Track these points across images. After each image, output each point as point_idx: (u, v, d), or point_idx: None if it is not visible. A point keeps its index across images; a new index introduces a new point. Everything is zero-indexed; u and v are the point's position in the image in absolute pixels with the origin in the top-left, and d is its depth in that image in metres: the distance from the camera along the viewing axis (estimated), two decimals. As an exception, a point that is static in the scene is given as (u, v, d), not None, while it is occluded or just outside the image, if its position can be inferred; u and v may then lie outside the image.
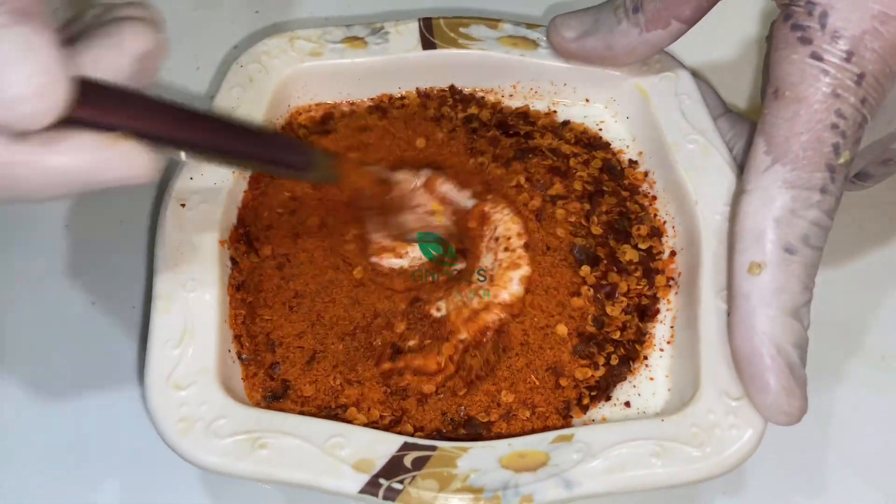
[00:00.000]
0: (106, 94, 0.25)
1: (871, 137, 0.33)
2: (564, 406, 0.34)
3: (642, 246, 0.37)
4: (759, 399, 0.30)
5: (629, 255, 0.37)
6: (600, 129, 0.41)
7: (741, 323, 0.30)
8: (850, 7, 0.30)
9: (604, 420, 0.34)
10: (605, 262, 0.37)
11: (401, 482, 0.29)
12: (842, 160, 0.31)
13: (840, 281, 0.39)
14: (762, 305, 0.30)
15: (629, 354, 0.35)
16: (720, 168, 0.36)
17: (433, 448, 0.31)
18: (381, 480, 0.29)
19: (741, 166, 0.36)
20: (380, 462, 0.30)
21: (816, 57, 0.30)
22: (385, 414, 0.33)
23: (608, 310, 0.36)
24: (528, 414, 0.34)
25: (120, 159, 0.25)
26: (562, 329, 0.35)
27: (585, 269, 0.36)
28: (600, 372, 0.35)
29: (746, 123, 0.38)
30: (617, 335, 0.36)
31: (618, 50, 0.37)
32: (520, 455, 0.31)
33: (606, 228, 0.38)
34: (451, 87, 0.42)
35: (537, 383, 0.34)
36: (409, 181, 0.38)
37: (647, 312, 0.36)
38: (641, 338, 0.36)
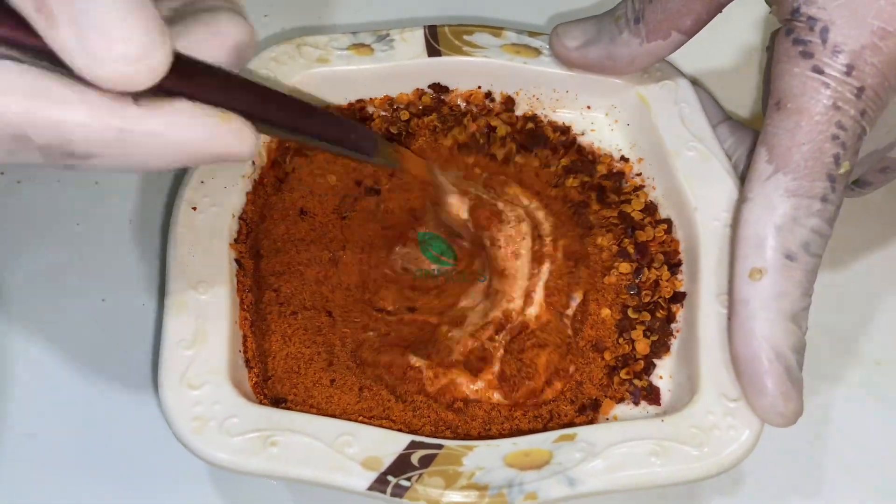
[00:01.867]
0: (204, 70, 0.25)
1: (869, 147, 0.34)
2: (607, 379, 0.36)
3: (638, 201, 0.39)
4: (756, 401, 0.31)
5: (635, 204, 0.39)
6: (582, 133, 0.42)
7: (741, 327, 0.31)
8: (850, 23, 0.31)
9: (615, 419, 0.35)
10: (619, 225, 0.39)
11: (408, 479, 0.30)
12: (842, 170, 0.31)
13: (835, 286, 0.40)
14: (762, 310, 0.31)
15: (668, 316, 0.37)
16: (719, 175, 0.37)
17: (439, 446, 0.31)
18: (389, 478, 0.30)
19: (741, 174, 0.37)
20: (387, 460, 0.31)
21: (817, 70, 0.31)
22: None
23: (643, 275, 0.38)
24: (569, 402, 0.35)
25: (231, 135, 0.25)
26: (605, 312, 0.37)
27: (605, 240, 0.38)
28: (643, 346, 0.36)
29: (746, 131, 0.39)
30: (648, 297, 0.37)
31: (619, 59, 0.38)
32: (524, 453, 0.31)
33: (581, 189, 0.40)
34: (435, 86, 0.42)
35: (582, 361, 0.36)
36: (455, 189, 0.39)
37: (673, 261, 0.38)
38: (674, 297, 0.37)
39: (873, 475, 0.37)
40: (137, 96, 0.24)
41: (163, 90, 0.24)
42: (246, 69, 0.40)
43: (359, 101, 0.42)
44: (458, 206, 0.38)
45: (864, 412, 0.38)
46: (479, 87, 0.42)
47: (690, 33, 0.37)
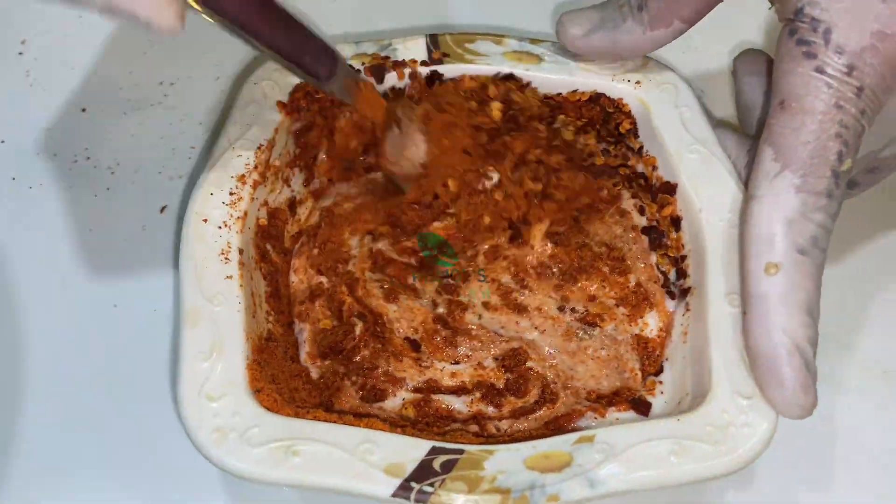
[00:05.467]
0: None
1: (862, 150, 0.35)
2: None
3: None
4: (775, 394, 0.31)
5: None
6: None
7: (759, 322, 0.32)
8: (851, 25, 0.32)
9: (616, 421, 0.35)
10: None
11: (431, 485, 0.30)
12: (844, 167, 0.32)
13: (842, 294, 0.40)
14: (780, 304, 0.31)
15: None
16: (721, 176, 0.38)
17: (460, 451, 0.31)
18: (413, 484, 0.30)
19: (740, 174, 0.38)
20: (410, 466, 0.31)
21: (820, 70, 0.32)
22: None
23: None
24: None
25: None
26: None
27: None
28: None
29: (738, 135, 0.39)
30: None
31: (622, 46, 0.39)
32: (544, 456, 0.31)
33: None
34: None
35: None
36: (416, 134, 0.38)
37: (679, 223, 0.39)
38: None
39: (881, 479, 0.37)
40: None
41: None
42: (252, 74, 0.40)
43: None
44: (418, 146, 0.38)
45: (873, 421, 0.38)
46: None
47: (691, 22, 0.37)
